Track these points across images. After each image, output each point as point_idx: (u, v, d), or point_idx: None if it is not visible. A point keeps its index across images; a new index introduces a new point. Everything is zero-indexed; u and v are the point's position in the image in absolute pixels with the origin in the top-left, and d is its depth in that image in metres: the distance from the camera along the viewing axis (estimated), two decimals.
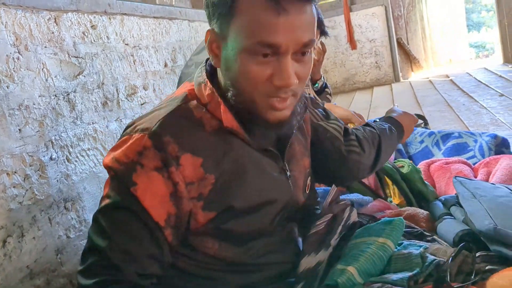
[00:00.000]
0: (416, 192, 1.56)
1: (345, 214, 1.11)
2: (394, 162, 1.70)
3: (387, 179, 1.64)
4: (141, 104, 2.26)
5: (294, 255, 1.04)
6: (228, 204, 0.94)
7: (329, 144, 1.24)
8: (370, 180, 1.75)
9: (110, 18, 2.12)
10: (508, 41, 6.70)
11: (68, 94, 1.76)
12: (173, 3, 3.69)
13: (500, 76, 5.56)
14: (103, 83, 1.98)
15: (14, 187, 1.44)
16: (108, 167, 0.93)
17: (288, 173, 1.06)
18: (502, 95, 4.34)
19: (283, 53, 0.87)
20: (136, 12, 2.34)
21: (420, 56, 8.04)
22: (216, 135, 0.95)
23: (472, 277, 0.88)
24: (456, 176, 1.28)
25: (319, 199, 1.25)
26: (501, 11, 6.71)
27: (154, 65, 2.45)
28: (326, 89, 2.31)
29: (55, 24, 1.75)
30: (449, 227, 1.10)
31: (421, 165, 1.82)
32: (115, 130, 2.02)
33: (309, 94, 1.59)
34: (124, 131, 0.97)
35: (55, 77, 1.70)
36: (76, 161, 1.75)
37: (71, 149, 1.73)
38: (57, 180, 1.64)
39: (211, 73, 1.01)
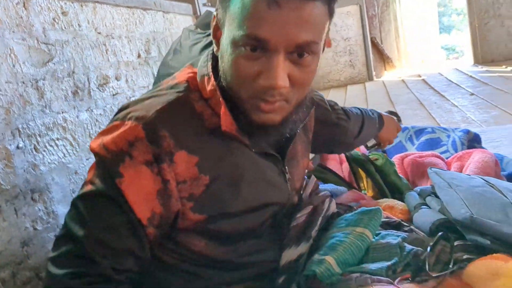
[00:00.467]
0: (390, 185, 1.57)
1: (325, 205, 1.09)
2: (369, 155, 1.70)
3: (361, 172, 1.64)
4: (113, 95, 2.20)
5: (279, 253, 1.00)
6: (221, 210, 0.89)
7: (324, 118, 1.30)
8: (344, 172, 1.75)
9: (82, 6, 2.06)
10: (478, 42, 6.85)
11: (37, 82, 1.70)
12: None
13: (471, 76, 5.68)
14: (73, 72, 1.92)
15: None
16: (95, 153, 0.86)
17: (288, 176, 1.01)
18: (472, 94, 4.43)
19: (272, 50, 0.79)
20: (109, 0, 2.28)
21: (393, 56, 8.15)
22: (216, 135, 0.89)
23: (450, 266, 0.88)
24: (431, 167, 1.29)
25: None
26: (472, 13, 6.86)
27: (127, 55, 2.39)
28: None
29: (23, 8, 1.69)
30: (425, 217, 1.10)
31: (395, 159, 1.83)
32: (85, 120, 1.96)
33: None
34: (116, 115, 0.90)
35: (23, 63, 1.64)
36: (44, 151, 1.69)
37: (39, 138, 1.67)
38: (24, 170, 1.58)
39: (215, 65, 0.93)
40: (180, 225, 0.89)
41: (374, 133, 1.57)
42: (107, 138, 0.84)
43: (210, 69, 0.91)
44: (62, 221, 1.71)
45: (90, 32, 2.07)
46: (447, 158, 1.88)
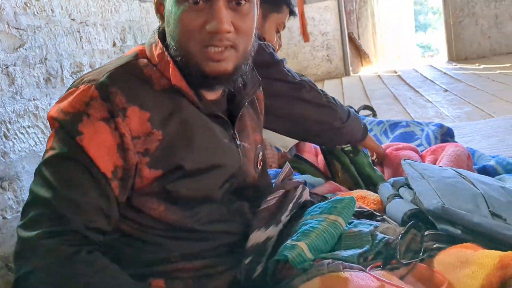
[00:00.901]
0: (365, 176, 1.58)
1: (297, 191, 1.10)
2: (345, 148, 1.71)
3: (336, 163, 1.65)
4: None
5: (243, 227, 1.03)
6: (176, 164, 0.92)
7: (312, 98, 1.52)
8: (320, 164, 1.76)
9: None
10: (453, 40, 6.97)
11: (7, 67, 1.65)
12: None
13: (445, 73, 5.78)
14: (46, 58, 1.87)
15: None
16: (53, 119, 0.89)
17: (238, 142, 1.05)
18: (446, 90, 4.51)
19: None
20: None
21: (370, 51, 8.22)
22: (165, 94, 0.94)
23: (421, 254, 0.89)
24: (405, 159, 1.30)
25: (273, 180, 1.24)
26: (447, 11, 6.96)
27: (102, 43, 2.35)
28: None
29: None
30: (398, 207, 1.11)
31: None
32: None
33: None
34: (70, 85, 0.94)
35: None
36: (14, 138, 1.65)
37: (9, 126, 1.63)
38: None
39: (163, 38, 0.99)
40: (138, 184, 0.91)
41: (360, 131, 1.66)
42: (64, 103, 0.89)
43: (157, 37, 0.98)
44: None
45: (63, 18, 2.03)
46: (421, 151, 1.90)
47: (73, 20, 2.10)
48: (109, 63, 0.98)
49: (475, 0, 6.85)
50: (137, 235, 0.96)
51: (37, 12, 1.85)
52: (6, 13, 1.68)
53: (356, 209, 1.08)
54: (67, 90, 0.93)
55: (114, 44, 2.48)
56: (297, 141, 1.97)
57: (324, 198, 1.20)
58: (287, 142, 1.96)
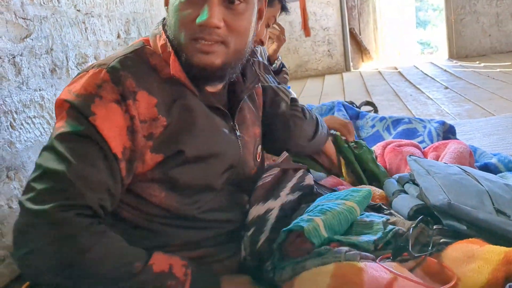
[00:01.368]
0: (368, 172, 1.59)
1: (298, 173, 1.12)
2: (349, 143, 1.72)
3: (341, 158, 1.65)
4: None
5: (242, 216, 1.05)
6: (177, 149, 0.94)
7: (276, 106, 1.33)
8: (323, 158, 1.76)
9: None
10: (453, 37, 6.97)
11: (14, 57, 1.66)
12: None
13: (445, 70, 5.78)
14: (52, 49, 1.88)
15: None
16: (64, 101, 0.90)
17: (238, 133, 1.07)
18: (447, 87, 4.51)
19: None
20: None
21: (370, 47, 8.21)
22: (169, 82, 0.97)
23: (429, 248, 0.90)
24: (410, 155, 1.31)
25: None
26: (449, 8, 6.95)
27: (106, 35, 2.35)
28: (284, 69, 2.31)
29: None
30: (404, 202, 1.13)
31: (377, 147, 1.85)
32: None
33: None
34: (79, 72, 0.96)
35: (0, 37, 1.60)
36: (21, 128, 1.66)
37: (15, 115, 1.64)
38: (0, 147, 1.54)
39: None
40: (140, 169, 0.93)
41: (323, 143, 1.60)
42: (75, 86, 0.90)
43: (161, 28, 1.01)
44: None
45: (69, 9, 2.03)
46: (423, 148, 1.91)
47: (79, 11, 2.11)
48: (116, 52, 1.00)
49: None
50: (137, 222, 0.97)
51: (44, 3, 1.85)
52: (13, 3, 1.68)
53: None
54: (76, 75, 0.94)
55: (119, 36, 2.49)
56: None
57: (332, 190, 1.22)
58: None
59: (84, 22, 2.14)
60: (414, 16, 13.16)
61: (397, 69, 6.56)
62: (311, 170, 1.60)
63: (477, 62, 6.10)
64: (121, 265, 0.83)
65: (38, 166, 0.86)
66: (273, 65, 2.30)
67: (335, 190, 1.23)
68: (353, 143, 1.67)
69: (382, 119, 2.38)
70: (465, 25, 6.91)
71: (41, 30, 1.81)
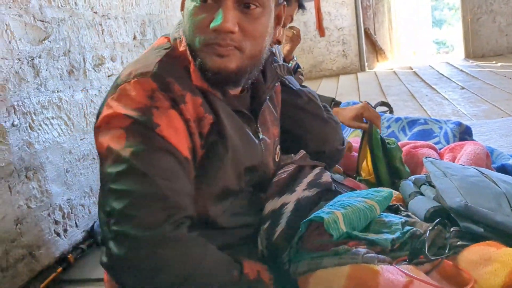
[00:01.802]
0: (393, 169, 1.55)
1: (315, 170, 1.12)
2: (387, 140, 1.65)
3: (368, 152, 1.60)
4: (109, 76, 2.19)
5: (258, 219, 1.05)
6: (212, 141, 0.95)
7: (312, 110, 1.33)
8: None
9: None
10: (470, 37, 6.89)
11: (33, 59, 1.69)
12: None
13: (461, 70, 5.72)
14: (69, 51, 1.90)
15: None
16: (124, 116, 0.87)
17: (261, 136, 1.07)
18: (463, 88, 4.46)
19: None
20: None
21: (385, 47, 8.16)
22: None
23: (446, 251, 0.90)
24: (426, 157, 1.30)
25: None
26: (465, 7, 6.88)
27: (122, 36, 2.37)
28: (299, 69, 2.31)
29: None
30: (421, 204, 1.12)
31: None
32: (81, 100, 1.95)
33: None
34: (116, 81, 0.94)
35: (19, 40, 1.62)
36: (39, 129, 1.68)
37: (34, 117, 1.66)
38: (19, 148, 1.57)
39: None
40: None
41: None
42: (127, 101, 0.88)
43: (181, 33, 0.99)
44: (56, 200, 1.70)
45: (86, 11, 2.05)
46: (439, 149, 1.90)
47: (95, 13, 2.13)
48: (145, 56, 1.00)
49: None
50: None
51: (61, 5, 1.88)
52: (32, 5, 1.70)
53: None
54: (115, 87, 0.93)
55: (135, 37, 2.51)
56: None
57: (352, 189, 1.22)
58: None
59: (100, 24, 2.16)
60: (430, 16, 13.03)
61: (412, 69, 6.51)
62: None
63: (494, 62, 6.03)
64: (224, 274, 0.86)
65: (123, 192, 0.83)
66: (288, 65, 2.31)
67: (354, 189, 1.22)
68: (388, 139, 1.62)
69: (398, 119, 2.36)
70: (482, 25, 6.83)
71: (58, 32, 1.84)
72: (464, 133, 2.14)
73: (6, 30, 1.57)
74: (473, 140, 2.09)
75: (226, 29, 0.89)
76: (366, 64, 7.14)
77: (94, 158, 1.99)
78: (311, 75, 7.09)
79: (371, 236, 0.93)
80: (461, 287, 0.83)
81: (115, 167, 0.84)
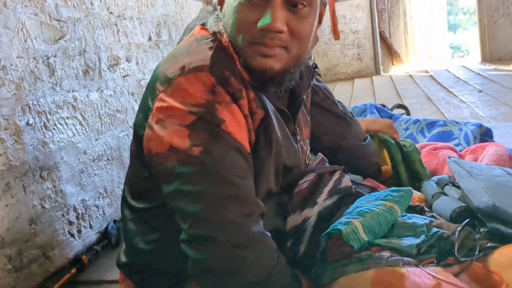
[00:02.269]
0: (412, 172, 1.52)
1: (334, 176, 1.09)
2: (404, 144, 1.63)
3: (386, 155, 1.58)
4: (124, 76, 2.18)
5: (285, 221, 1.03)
6: (263, 142, 0.93)
7: (329, 106, 1.36)
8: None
9: None
10: (486, 40, 6.80)
11: (48, 58, 1.68)
12: None
13: (478, 74, 5.64)
14: (85, 51, 1.89)
15: None
16: (188, 113, 0.83)
17: (298, 137, 1.05)
18: (480, 91, 4.39)
19: None
20: None
21: (401, 51, 8.10)
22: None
23: (476, 253, 0.86)
24: (449, 157, 1.26)
25: None
26: (481, 10, 6.80)
27: (138, 37, 2.36)
28: (316, 69, 2.28)
29: None
30: (446, 204, 1.08)
31: None
32: (95, 100, 1.94)
33: None
34: (164, 73, 0.89)
35: (34, 38, 1.62)
36: (54, 128, 1.67)
37: (49, 116, 1.65)
38: (34, 147, 1.56)
39: None
40: None
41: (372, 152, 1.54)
42: (186, 96, 0.84)
43: (221, 27, 0.94)
44: (70, 201, 1.69)
45: (102, 11, 2.05)
46: (459, 151, 1.85)
47: (111, 13, 2.12)
48: (189, 46, 0.95)
49: (510, 0, 6.67)
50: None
51: (77, 5, 1.87)
52: (48, 4, 1.70)
53: None
54: (168, 81, 0.87)
55: (150, 38, 2.50)
56: None
57: (373, 189, 1.18)
58: None
59: (116, 24, 2.16)
60: (446, 19, 12.93)
61: (428, 72, 6.43)
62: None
63: (511, 65, 5.94)
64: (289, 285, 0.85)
65: (197, 193, 0.81)
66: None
67: (375, 189, 1.19)
68: (401, 140, 1.60)
69: (416, 121, 2.32)
70: (498, 28, 6.74)
71: (74, 32, 1.83)
72: (485, 135, 2.09)
73: (22, 29, 1.56)
74: (494, 141, 2.04)
75: (275, 29, 0.85)
76: (381, 67, 7.08)
77: (108, 159, 1.98)
78: (326, 78, 7.04)
79: (394, 243, 0.89)
80: None
81: (184, 167, 0.81)
